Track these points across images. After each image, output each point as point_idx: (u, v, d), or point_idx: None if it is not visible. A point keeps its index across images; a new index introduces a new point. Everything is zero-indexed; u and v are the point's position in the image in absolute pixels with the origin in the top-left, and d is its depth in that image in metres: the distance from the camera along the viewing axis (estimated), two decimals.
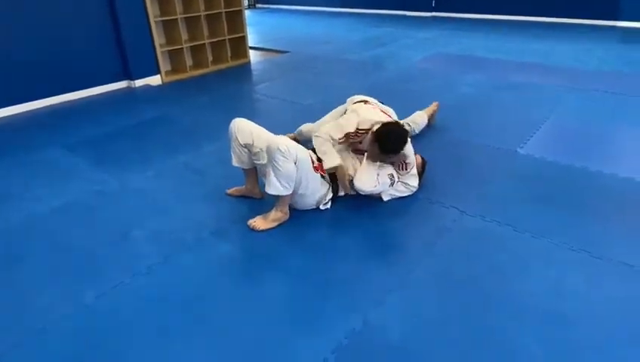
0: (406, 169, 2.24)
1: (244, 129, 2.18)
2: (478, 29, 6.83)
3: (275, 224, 2.12)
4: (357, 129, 2.22)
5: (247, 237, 2.08)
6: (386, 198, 2.28)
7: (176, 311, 1.66)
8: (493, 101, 3.71)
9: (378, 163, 2.19)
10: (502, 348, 1.45)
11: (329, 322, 1.58)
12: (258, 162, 2.16)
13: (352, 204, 2.25)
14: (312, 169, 2.10)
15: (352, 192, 2.26)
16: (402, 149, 2.11)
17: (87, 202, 2.42)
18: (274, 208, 2.12)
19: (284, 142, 1.98)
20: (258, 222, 2.11)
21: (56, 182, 2.64)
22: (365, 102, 2.47)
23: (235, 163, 2.25)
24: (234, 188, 2.41)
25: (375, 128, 2.15)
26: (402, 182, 2.28)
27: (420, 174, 2.36)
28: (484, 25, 7.14)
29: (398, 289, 1.72)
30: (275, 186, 2.00)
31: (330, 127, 2.23)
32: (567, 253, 1.86)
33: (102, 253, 2.00)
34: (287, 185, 2.01)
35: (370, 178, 2.17)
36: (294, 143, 2.03)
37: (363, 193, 2.21)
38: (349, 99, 2.63)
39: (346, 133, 2.21)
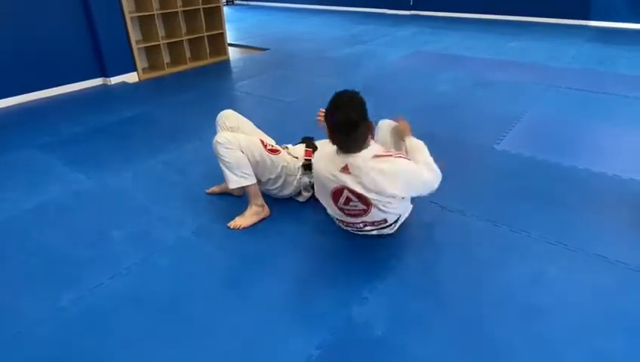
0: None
1: (231, 115, 2.21)
2: (455, 27, 6.93)
3: (255, 219, 2.11)
4: None
5: (229, 236, 2.06)
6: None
7: (157, 313, 1.63)
8: (471, 98, 3.77)
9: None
10: (482, 340, 1.48)
11: (313, 318, 1.58)
12: None
13: None
14: (267, 152, 2.07)
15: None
16: (356, 119, 1.62)
17: (63, 203, 2.35)
18: (249, 204, 2.11)
19: (223, 135, 2.00)
20: (238, 221, 2.09)
21: (31, 182, 2.56)
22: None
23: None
24: (214, 187, 2.38)
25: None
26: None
27: None
28: (461, 23, 7.25)
29: (381, 285, 1.73)
30: (232, 180, 2.00)
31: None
32: (544, 246, 1.91)
33: (79, 254, 1.94)
34: (244, 174, 2.00)
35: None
36: (235, 133, 2.05)
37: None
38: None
39: None
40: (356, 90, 1.70)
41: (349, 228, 1.96)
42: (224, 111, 2.24)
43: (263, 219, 2.13)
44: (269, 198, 2.25)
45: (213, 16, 5.19)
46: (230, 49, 5.55)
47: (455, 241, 1.97)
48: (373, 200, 1.72)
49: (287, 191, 2.21)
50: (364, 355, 1.44)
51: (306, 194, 2.23)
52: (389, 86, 4.16)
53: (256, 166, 2.04)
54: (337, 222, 1.99)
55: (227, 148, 1.95)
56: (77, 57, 4.22)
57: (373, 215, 1.79)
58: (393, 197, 1.73)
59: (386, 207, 1.76)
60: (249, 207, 2.11)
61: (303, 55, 5.44)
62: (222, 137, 1.98)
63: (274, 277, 1.80)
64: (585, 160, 2.61)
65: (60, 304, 1.67)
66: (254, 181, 2.05)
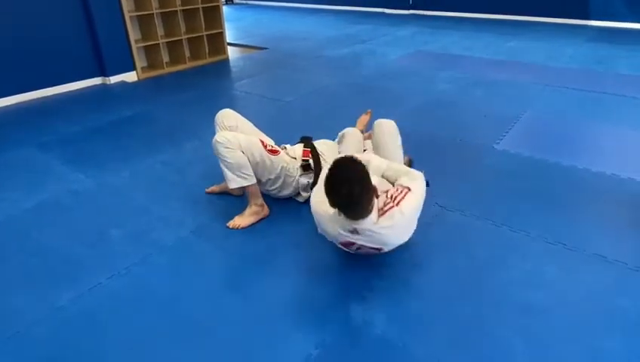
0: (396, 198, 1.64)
1: (230, 115, 2.20)
2: (454, 26, 6.93)
3: (254, 219, 2.11)
4: None
5: (228, 235, 2.06)
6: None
7: (155, 312, 1.63)
8: (470, 98, 3.77)
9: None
10: (482, 339, 1.48)
11: (312, 318, 1.58)
12: None
13: None
14: (267, 152, 2.07)
15: None
16: (361, 192, 1.47)
17: (62, 202, 2.35)
18: (248, 204, 2.11)
19: (223, 134, 2.00)
20: (237, 221, 2.09)
21: (30, 182, 2.56)
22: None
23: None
24: (213, 186, 2.38)
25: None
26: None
27: None
28: (460, 23, 7.25)
29: (380, 285, 1.73)
30: (233, 180, 2.00)
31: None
32: (543, 246, 1.91)
33: (78, 254, 1.94)
34: (243, 175, 1.99)
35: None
36: (235, 133, 2.04)
37: None
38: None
39: None
40: (355, 157, 1.57)
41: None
42: (223, 110, 2.24)
43: (263, 219, 2.13)
44: (268, 198, 2.25)
45: (213, 16, 5.19)
46: (229, 48, 5.55)
47: (454, 241, 1.97)
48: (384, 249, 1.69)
49: (286, 192, 2.21)
50: (363, 354, 1.44)
51: (305, 195, 2.23)
52: (388, 85, 4.16)
53: (256, 166, 2.04)
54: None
55: (227, 148, 1.95)
56: (76, 56, 4.21)
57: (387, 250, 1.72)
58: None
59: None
60: (248, 206, 2.11)
61: (302, 54, 5.44)
62: (222, 137, 1.98)
63: (273, 276, 1.80)
64: (584, 159, 2.61)
65: (58, 303, 1.67)
66: (254, 181, 2.05)
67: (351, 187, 1.45)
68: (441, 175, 2.51)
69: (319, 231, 1.78)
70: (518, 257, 1.85)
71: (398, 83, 4.23)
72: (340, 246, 1.75)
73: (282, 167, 2.12)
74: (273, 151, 2.10)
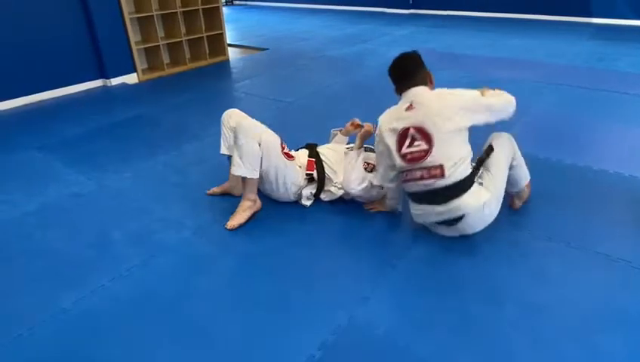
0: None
1: (237, 113, 2.19)
2: (455, 25, 6.92)
3: (248, 213, 2.10)
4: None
5: (229, 236, 2.05)
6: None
7: (158, 314, 1.63)
8: None
9: (361, 160, 2.14)
10: (486, 338, 1.47)
11: (315, 318, 1.58)
12: None
13: (337, 201, 2.25)
14: (282, 154, 2.07)
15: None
16: (412, 56, 1.95)
17: (63, 204, 2.35)
18: (241, 199, 2.10)
19: (250, 121, 2.01)
20: (233, 221, 2.08)
21: (31, 184, 2.56)
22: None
23: (222, 150, 2.20)
24: (214, 188, 2.38)
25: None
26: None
27: None
28: (461, 21, 7.24)
29: (383, 285, 1.72)
30: (238, 165, 1.97)
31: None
32: (545, 244, 1.90)
33: (80, 255, 1.94)
34: (250, 167, 1.98)
35: (359, 176, 2.11)
36: (262, 127, 2.04)
37: (354, 194, 2.14)
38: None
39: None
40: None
41: (408, 185, 1.88)
42: (229, 110, 2.23)
43: (256, 213, 2.14)
44: (272, 199, 2.25)
45: (213, 17, 5.19)
46: (229, 49, 5.55)
47: (457, 240, 1.96)
48: (435, 136, 1.77)
49: (285, 198, 2.21)
50: (367, 355, 1.44)
51: (308, 203, 2.22)
52: (390, 85, 4.13)
53: (268, 167, 2.04)
54: (391, 189, 2.00)
55: (247, 137, 1.95)
56: (77, 59, 4.22)
57: (434, 157, 1.77)
58: (454, 131, 1.80)
59: (445, 147, 1.78)
60: (241, 201, 2.11)
61: (302, 54, 5.44)
62: (248, 123, 2.00)
63: (275, 277, 1.79)
64: (586, 157, 2.60)
65: (61, 305, 1.67)
66: (256, 176, 2.04)
67: (405, 61, 1.95)
68: None
69: (377, 165, 2.01)
70: (520, 256, 1.85)
71: None
72: (397, 154, 1.84)
73: (292, 174, 2.13)
74: (289, 156, 2.11)
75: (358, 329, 1.53)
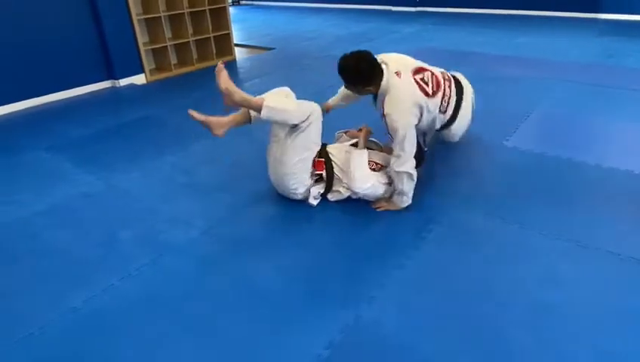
0: (390, 136, 2.03)
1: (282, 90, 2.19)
2: (462, 22, 6.87)
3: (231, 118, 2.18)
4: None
5: (236, 235, 2.06)
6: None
7: (166, 313, 1.64)
8: (479, 94, 3.69)
9: (366, 159, 2.16)
10: (493, 338, 1.47)
11: (322, 318, 1.58)
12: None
13: (344, 200, 2.25)
14: (311, 159, 2.11)
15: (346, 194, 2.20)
16: (366, 71, 1.98)
17: (73, 204, 2.37)
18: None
19: (317, 122, 2.07)
20: (192, 111, 2.15)
21: (41, 184, 2.59)
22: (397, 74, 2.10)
23: (266, 96, 2.10)
24: (198, 113, 2.27)
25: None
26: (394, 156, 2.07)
27: (419, 161, 2.25)
28: (468, 19, 7.19)
29: (390, 284, 1.72)
30: (271, 98, 1.98)
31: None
32: (555, 243, 1.89)
33: (89, 255, 1.96)
34: (275, 111, 1.95)
35: (368, 175, 2.12)
36: (319, 129, 2.10)
37: (362, 193, 2.15)
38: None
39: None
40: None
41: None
42: (282, 88, 2.19)
43: (241, 121, 2.19)
44: (279, 198, 2.25)
45: (220, 17, 5.21)
46: (236, 49, 5.57)
47: (464, 239, 1.96)
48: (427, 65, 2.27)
49: (292, 196, 2.21)
50: (373, 354, 1.44)
51: (315, 202, 2.22)
52: None
53: (287, 148, 2.07)
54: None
55: (302, 112, 1.99)
56: (86, 60, 4.26)
57: (441, 74, 2.33)
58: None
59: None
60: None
61: (308, 54, 5.44)
62: (313, 107, 2.04)
63: (282, 277, 1.80)
64: (596, 155, 2.57)
65: (71, 304, 1.69)
66: (262, 117, 2.00)
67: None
68: (449, 172, 2.49)
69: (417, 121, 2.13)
70: (529, 255, 1.83)
71: None
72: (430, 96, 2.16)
73: (301, 178, 2.14)
74: (315, 165, 2.15)
75: (365, 329, 1.53)
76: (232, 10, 6.06)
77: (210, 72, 4.89)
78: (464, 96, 2.43)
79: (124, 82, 4.49)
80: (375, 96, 2.14)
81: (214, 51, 5.24)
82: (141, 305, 1.68)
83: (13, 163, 2.89)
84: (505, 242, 1.92)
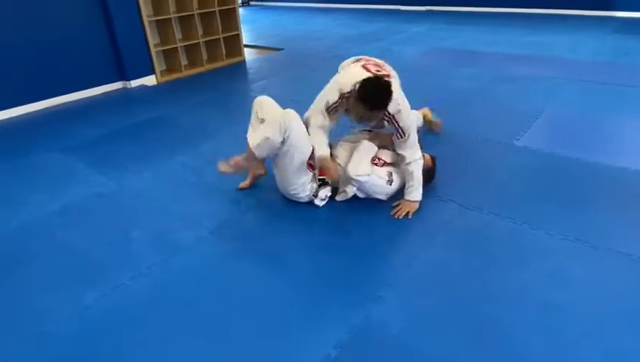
0: (402, 136, 2.06)
1: (267, 104, 2.23)
2: (472, 22, 6.82)
3: (233, 169, 2.21)
4: (341, 95, 2.05)
5: (246, 235, 2.08)
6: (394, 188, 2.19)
7: (176, 312, 1.66)
8: (490, 94, 3.71)
9: (372, 153, 2.17)
10: (501, 338, 1.46)
11: (331, 318, 1.59)
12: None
13: (352, 200, 2.25)
14: (307, 165, 2.10)
15: (343, 187, 2.20)
16: (388, 100, 1.94)
17: (85, 204, 2.41)
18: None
19: (293, 118, 2.03)
20: (231, 162, 2.20)
21: (55, 184, 2.64)
22: (358, 60, 2.29)
23: (248, 136, 2.21)
24: (242, 183, 2.42)
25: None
26: (399, 153, 2.12)
27: (431, 172, 2.31)
28: (478, 18, 7.13)
29: (398, 285, 1.72)
30: (254, 138, 2.06)
31: (314, 106, 2.13)
32: (565, 244, 1.87)
33: (101, 254, 2.00)
34: (262, 151, 2.05)
35: (366, 165, 2.11)
36: (303, 131, 2.06)
37: (356, 180, 2.11)
38: (341, 65, 2.44)
39: (332, 105, 2.07)
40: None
41: None
42: (261, 97, 2.24)
43: (258, 177, 2.29)
44: (287, 198, 2.27)
45: (229, 18, 5.24)
46: (245, 50, 5.60)
47: (473, 239, 1.95)
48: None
49: (297, 198, 2.22)
50: (381, 354, 1.44)
51: (321, 204, 2.23)
52: (406, 83, 4.09)
53: (282, 162, 2.09)
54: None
55: (280, 131, 1.99)
56: (98, 62, 4.32)
57: None
58: None
59: None
60: (240, 157, 2.20)
61: (317, 54, 5.44)
62: (291, 117, 2.02)
63: (290, 276, 1.81)
64: (607, 155, 2.54)
65: (84, 303, 1.72)
66: (259, 155, 2.10)
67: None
68: (459, 172, 2.48)
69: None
70: (539, 256, 1.82)
71: (416, 81, 4.19)
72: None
73: (303, 183, 2.15)
74: (311, 166, 2.13)
75: (373, 329, 1.53)
76: (241, 10, 6.08)
77: (220, 72, 4.96)
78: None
79: (135, 83, 4.55)
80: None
81: (224, 52, 5.28)
82: (151, 304, 1.71)
83: (28, 163, 2.95)
84: (514, 242, 1.91)
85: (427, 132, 2.99)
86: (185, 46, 4.96)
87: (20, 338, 1.58)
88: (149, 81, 4.65)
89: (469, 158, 2.66)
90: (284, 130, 1.99)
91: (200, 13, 4.94)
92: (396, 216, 2.12)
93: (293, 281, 1.78)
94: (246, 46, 5.76)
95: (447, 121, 3.17)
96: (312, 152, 2.11)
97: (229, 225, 2.15)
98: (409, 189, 2.14)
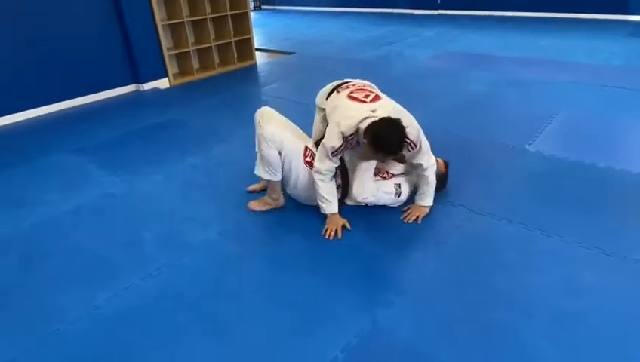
0: (415, 147, 1.96)
1: (269, 114, 2.15)
2: (484, 25, 6.78)
3: (266, 207, 2.25)
4: (344, 138, 1.92)
5: (255, 237, 2.09)
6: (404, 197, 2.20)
7: (186, 312, 1.67)
8: (502, 98, 3.68)
9: (374, 166, 2.15)
10: (512, 347, 1.44)
11: (338, 321, 1.58)
12: None
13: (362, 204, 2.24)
14: (304, 163, 2.08)
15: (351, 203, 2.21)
16: (403, 140, 1.85)
17: (98, 205, 2.44)
18: (267, 193, 2.24)
19: (270, 129, 2.01)
20: (252, 203, 2.28)
21: (68, 185, 2.68)
22: (339, 89, 2.22)
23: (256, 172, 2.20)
24: (254, 185, 2.46)
25: (364, 127, 1.87)
26: (414, 163, 2.06)
27: (444, 177, 2.30)
28: (490, 21, 7.09)
29: (407, 289, 1.71)
30: (258, 169, 2.11)
31: (319, 154, 2.02)
32: (578, 251, 1.84)
33: (113, 255, 2.02)
34: (270, 171, 2.07)
35: (369, 186, 2.12)
36: (285, 134, 2.05)
37: (361, 202, 2.15)
38: (319, 94, 2.37)
39: (337, 149, 1.94)
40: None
41: None
42: (263, 108, 2.23)
43: (276, 208, 2.26)
44: (295, 202, 2.27)
45: (241, 22, 5.28)
46: (257, 53, 5.63)
47: (485, 245, 1.93)
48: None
49: (308, 202, 2.22)
50: (389, 359, 1.43)
51: None
52: (418, 87, 4.11)
53: (288, 173, 2.09)
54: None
55: (267, 143, 2.01)
56: (112, 65, 4.39)
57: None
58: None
59: None
60: (265, 196, 2.25)
61: (329, 58, 5.46)
62: (268, 132, 2.01)
63: (299, 279, 1.81)
64: (622, 161, 2.50)
65: (95, 302, 1.74)
66: (277, 179, 2.11)
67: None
68: (470, 177, 2.46)
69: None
70: (552, 263, 1.79)
71: (428, 84, 4.18)
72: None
73: (308, 184, 2.13)
74: (312, 164, 2.08)
75: (382, 333, 1.52)
76: (253, 14, 6.13)
77: (232, 76, 4.99)
78: None
79: (148, 86, 4.61)
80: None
81: (235, 56, 5.32)
82: (161, 304, 1.72)
83: (43, 164, 3.00)
84: (526, 248, 1.89)
85: (438, 135, 2.97)
86: (197, 50, 5.02)
87: (32, 337, 1.60)
88: (162, 84, 4.70)
89: (480, 163, 2.63)
90: (281, 146, 2.03)
91: (212, 18, 4.98)
92: (406, 221, 2.11)
93: (301, 284, 1.78)
94: (257, 50, 5.79)
95: (458, 125, 3.15)
96: (306, 150, 2.10)
97: (239, 228, 2.16)
98: (422, 195, 2.13)
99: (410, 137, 1.91)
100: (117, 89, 4.49)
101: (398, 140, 1.82)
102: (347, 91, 2.11)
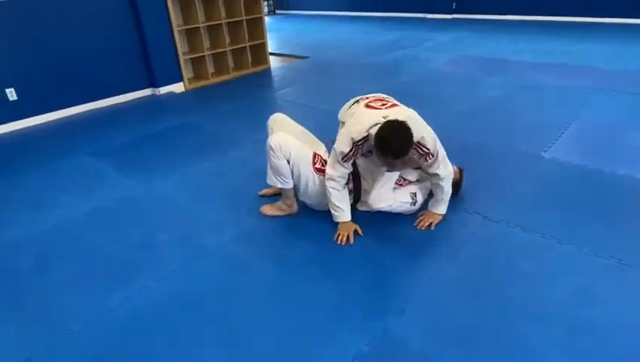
0: (432, 157, 1.92)
1: (282, 120, 2.27)
2: (500, 30, 6.72)
3: (279, 213, 2.26)
4: (354, 144, 1.89)
5: (267, 242, 2.10)
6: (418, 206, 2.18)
7: (199, 315, 1.69)
8: (518, 104, 3.63)
9: (396, 178, 2.14)
10: (525, 357, 1.42)
11: (350, 329, 1.58)
12: None
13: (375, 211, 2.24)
14: (313, 170, 2.09)
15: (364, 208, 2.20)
16: (410, 146, 1.80)
17: (113, 207, 2.48)
18: (281, 199, 2.27)
19: (277, 139, 2.04)
20: (265, 208, 2.30)
21: (85, 188, 2.73)
22: (357, 101, 2.15)
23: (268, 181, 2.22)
24: (266, 189, 2.47)
25: (374, 133, 1.83)
26: (431, 172, 2.01)
27: (459, 184, 2.28)
28: (506, 26, 7.02)
29: (420, 297, 1.70)
30: (270, 178, 2.13)
31: (331, 160, 2.02)
32: (595, 260, 1.81)
33: (128, 257, 2.05)
34: (280, 180, 2.10)
35: (386, 196, 2.11)
36: (292, 142, 2.06)
37: (374, 209, 2.13)
38: (340, 111, 2.25)
39: (347, 155, 1.92)
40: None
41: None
42: (275, 114, 2.28)
43: (289, 215, 2.26)
44: (308, 208, 2.27)
45: (255, 27, 5.33)
46: (271, 58, 5.67)
47: (499, 254, 1.90)
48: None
49: (320, 207, 2.22)
50: None
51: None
52: (431, 91, 4.09)
53: (298, 179, 2.11)
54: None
55: (275, 153, 2.03)
56: (129, 70, 4.47)
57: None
58: None
59: None
60: (279, 202, 2.27)
61: (342, 62, 5.47)
62: (275, 142, 2.03)
63: (312, 284, 1.81)
64: None
65: (109, 304, 1.76)
66: (289, 187, 2.13)
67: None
68: (485, 184, 2.43)
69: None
70: (568, 272, 1.76)
71: (442, 89, 4.15)
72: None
73: (317, 191, 2.14)
74: (321, 171, 2.09)
75: (393, 342, 1.51)
76: (267, 19, 6.18)
77: (246, 80, 5.04)
78: None
79: (163, 90, 4.67)
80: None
81: (250, 60, 5.36)
82: (175, 307, 1.74)
83: (60, 166, 3.06)
84: (541, 257, 1.86)
85: (453, 140, 2.95)
86: (212, 54, 5.08)
87: (46, 337, 1.63)
88: (177, 88, 4.77)
89: (494, 169, 2.60)
90: (289, 155, 2.04)
91: (228, 23, 5.04)
92: (419, 227, 2.09)
93: (314, 290, 1.78)
94: (271, 54, 5.84)
95: (473, 131, 3.13)
96: (315, 156, 2.12)
97: (252, 232, 2.17)
98: (436, 203, 2.11)
99: (427, 147, 1.88)
100: (133, 93, 4.57)
101: (403, 142, 1.77)
102: (365, 101, 2.09)
